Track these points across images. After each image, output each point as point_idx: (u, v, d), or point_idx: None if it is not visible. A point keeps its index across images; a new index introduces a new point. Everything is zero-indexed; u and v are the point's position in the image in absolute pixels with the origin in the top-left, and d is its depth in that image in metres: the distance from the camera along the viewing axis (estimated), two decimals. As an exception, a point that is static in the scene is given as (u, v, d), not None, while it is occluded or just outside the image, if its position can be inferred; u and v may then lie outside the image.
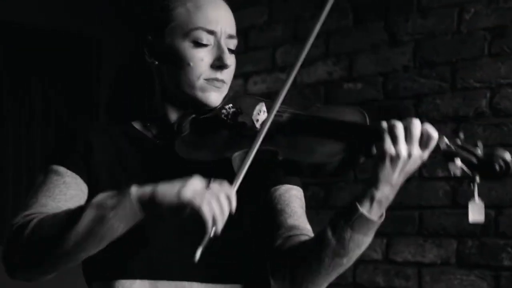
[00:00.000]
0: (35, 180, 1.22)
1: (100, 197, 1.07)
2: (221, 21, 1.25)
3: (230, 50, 1.28)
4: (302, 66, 3.24)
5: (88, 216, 1.04)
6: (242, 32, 3.51)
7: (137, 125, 1.34)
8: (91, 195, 1.19)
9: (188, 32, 1.23)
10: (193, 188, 1.02)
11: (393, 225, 2.89)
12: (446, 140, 1.14)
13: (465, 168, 1.12)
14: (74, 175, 1.20)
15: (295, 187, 1.34)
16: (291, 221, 1.28)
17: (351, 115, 1.20)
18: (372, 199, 1.13)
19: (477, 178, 1.12)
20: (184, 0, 1.25)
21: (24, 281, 1.15)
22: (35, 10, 3.86)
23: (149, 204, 1.04)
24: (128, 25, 3.38)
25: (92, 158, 1.23)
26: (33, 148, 3.98)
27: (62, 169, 1.20)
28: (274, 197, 1.31)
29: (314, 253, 1.18)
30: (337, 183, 3.14)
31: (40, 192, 1.18)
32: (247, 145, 1.14)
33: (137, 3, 1.27)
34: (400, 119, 1.15)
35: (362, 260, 3.00)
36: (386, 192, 1.13)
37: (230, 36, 1.27)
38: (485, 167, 1.10)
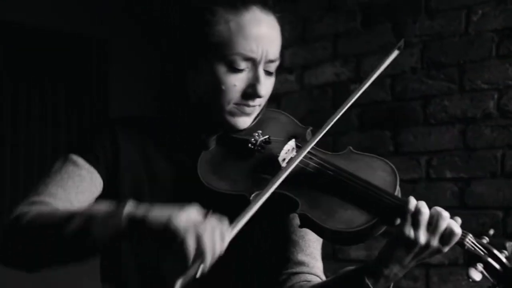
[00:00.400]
0: (52, 166, 1.19)
1: (95, 208, 1.03)
2: (262, 45, 1.15)
3: (268, 73, 1.20)
4: (309, 67, 3.25)
5: (74, 224, 0.99)
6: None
7: (165, 127, 1.28)
8: (109, 192, 1.17)
9: (226, 56, 1.14)
10: (186, 217, 0.93)
11: (401, 226, 2.89)
12: (471, 238, 1.06)
13: (486, 274, 1.05)
14: (92, 169, 1.16)
15: None
16: (301, 256, 1.22)
17: (381, 172, 1.13)
18: (379, 275, 1.10)
19: (499, 285, 1.05)
20: (228, 17, 1.14)
21: (16, 270, 1.11)
22: (38, 10, 3.88)
23: (137, 223, 0.96)
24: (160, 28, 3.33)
25: (117, 157, 1.19)
26: (32, 149, 3.99)
27: (81, 161, 1.17)
28: (291, 225, 1.24)
29: None
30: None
31: (52, 180, 1.14)
32: (267, 183, 1.06)
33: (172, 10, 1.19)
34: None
35: (370, 261, 3.00)
36: (395, 270, 1.09)
37: (271, 61, 1.18)
38: (508, 277, 1.03)
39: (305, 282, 1.19)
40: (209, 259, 0.91)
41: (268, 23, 1.17)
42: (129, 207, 0.97)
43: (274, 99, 3.10)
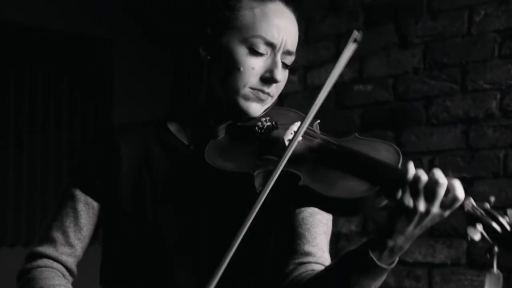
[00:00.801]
0: (57, 200, 1.27)
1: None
2: (283, 35, 1.20)
3: (284, 65, 1.23)
4: (312, 67, 3.26)
5: None
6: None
7: (172, 127, 1.29)
8: (110, 204, 1.23)
9: (248, 38, 1.18)
10: None
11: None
12: (472, 202, 1.04)
13: (485, 235, 1.03)
14: (88, 199, 1.22)
15: (319, 211, 1.26)
16: (308, 247, 1.23)
17: (385, 152, 1.13)
18: (384, 247, 1.07)
19: (496, 248, 1.04)
20: (252, 4, 1.20)
21: None
22: (41, 11, 3.89)
23: None
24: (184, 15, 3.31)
25: (118, 166, 1.23)
26: (34, 149, 4.00)
27: (77, 192, 1.23)
28: (296, 220, 1.26)
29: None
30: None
31: (53, 222, 1.23)
32: (272, 163, 1.10)
33: None
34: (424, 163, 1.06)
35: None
36: (399, 242, 1.07)
37: (289, 52, 1.22)
38: (507, 239, 1.02)
39: (311, 271, 1.19)
40: None
41: (289, 16, 1.23)
42: None
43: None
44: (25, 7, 3.81)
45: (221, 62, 1.21)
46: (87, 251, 1.30)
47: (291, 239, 1.24)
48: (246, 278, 1.21)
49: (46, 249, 1.21)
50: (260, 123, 1.19)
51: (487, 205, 1.04)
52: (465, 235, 2.49)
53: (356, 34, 1.17)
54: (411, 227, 1.04)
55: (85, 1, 4.01)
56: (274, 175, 1.04)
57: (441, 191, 1.01)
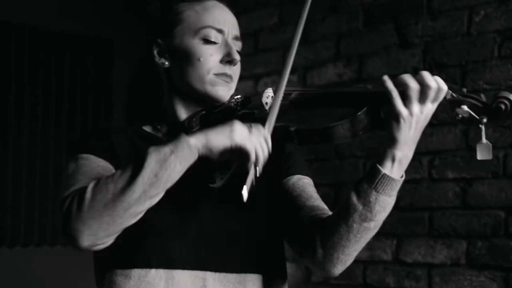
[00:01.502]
0: (66, 169, 1.24)
1: (153, 148, 1.11)
2: (227, 23, 1.33)
3: (237, 51, 1.34)
4: (312, 67, 3.26)
5: (151, 163, 1.08)
6: (252, 34, 3.53)
7: (147, 129, 1.39)
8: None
9: (198, 30, 1.30)
10: (241, 132, 1.11)
11: (403, 226, 2.90)
12: (451, 92, 1.17)
13: (472, 113, 1.14)
14: (105, 162, 1.23)
15: (306, 177, 1.38)
16: (310, 203, 1.31)
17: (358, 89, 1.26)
18: (393, 159, 1.16)
19: (484, 120, 1.14)
20: (192, 4, 1.33)
21: (90, 249, 1.13)
22: (43, 11, 3.89)
23: (203, 147, 1.12)
24: (143, 29, 3.40)
25: (116, 154, 1.27)
26: (34, 148, 4.00)
27: (92, 157, 1.23)
28: (288, 187, 1.35)
29: (342, 221, 1.19)
30: (347, 183, 3.15)
31: (77, 175, 1.18)
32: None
33: (149, 9, 1.33)
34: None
35: (372, 261, 3.01)
36: (405, 150, 1.16)
37: (236, 38, 1.33)
38: (490, 108, 1.13)
39: (328, 214, 1.27)
40: (263, 161, 1.12)
41: (227, 10, 1.36)
42: (186, 136, 1.11)
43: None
44: (25, 7, 3.81)
45: (180, 61, 1.31)
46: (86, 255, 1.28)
47: (291, 202, 1.32)
48: (246, 250, 1.28)
49: (78, 187, 1.14)
50: (233, 100, 1.29)
51: (464, 91, 1.18)
52: (465, 236, 2.48)
53: None
54: (412, 132, 1.14)
55: (86, 1, 4.01)
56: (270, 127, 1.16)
57: (433, 91, 1.12)
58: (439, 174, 2.89)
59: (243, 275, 1.26)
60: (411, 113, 1.13)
